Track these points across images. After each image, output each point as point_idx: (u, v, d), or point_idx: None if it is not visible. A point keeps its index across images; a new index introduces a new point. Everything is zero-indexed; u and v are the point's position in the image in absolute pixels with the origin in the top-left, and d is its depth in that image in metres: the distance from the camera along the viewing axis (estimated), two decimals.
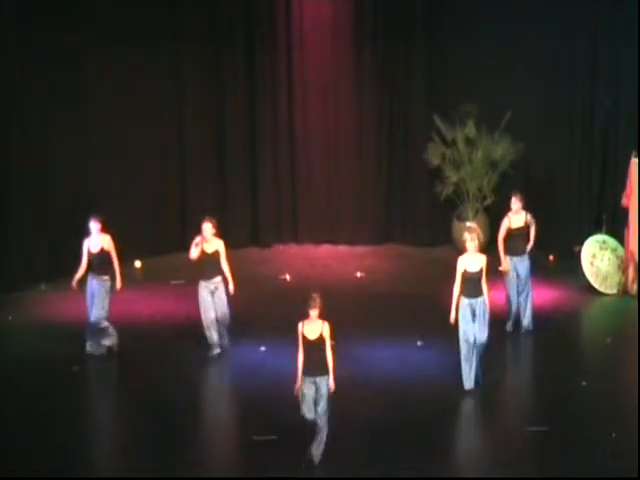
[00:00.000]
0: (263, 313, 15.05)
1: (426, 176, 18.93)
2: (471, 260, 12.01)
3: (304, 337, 10.14)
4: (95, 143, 17.31)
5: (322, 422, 10.12)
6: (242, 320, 14.62)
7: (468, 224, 16.59)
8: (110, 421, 11.69)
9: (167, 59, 18.22)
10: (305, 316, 10.12)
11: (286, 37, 18.93)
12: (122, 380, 12.19)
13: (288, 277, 17.06)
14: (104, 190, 17.30)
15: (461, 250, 13.32)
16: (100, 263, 13.03)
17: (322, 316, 10.13)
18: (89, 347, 13.10)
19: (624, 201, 15.97)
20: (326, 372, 10.13)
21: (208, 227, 13.02)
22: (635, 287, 15.63)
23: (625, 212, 15.98)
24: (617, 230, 16.33)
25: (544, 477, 9.80)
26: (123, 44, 17.37)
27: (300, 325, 10.16)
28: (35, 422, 11.09)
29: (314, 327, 10.13)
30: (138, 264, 17.74)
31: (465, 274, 11.94)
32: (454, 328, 11.85)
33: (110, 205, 17.20)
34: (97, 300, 12.95)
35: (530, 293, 14.13)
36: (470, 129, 18.29)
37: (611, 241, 16.14)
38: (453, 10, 18.71)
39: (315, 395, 10.11)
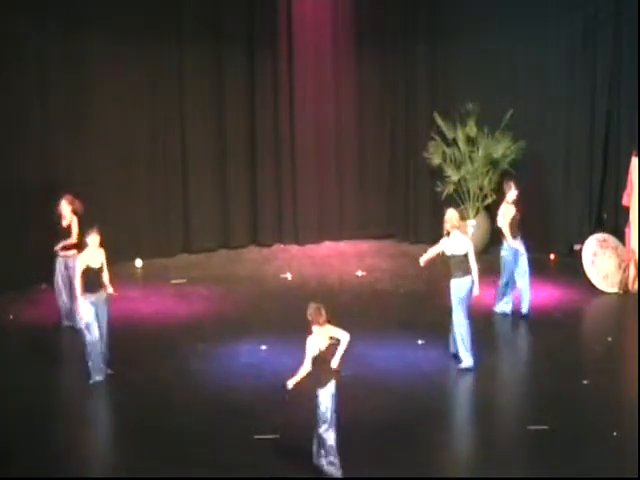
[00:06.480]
0: (264, 312, 15.08)
1: (427, 175, 18.98)
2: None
3: (318, 350, 9.44)
4: (95, 144, 17.31)
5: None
6: (243, 319, 14.66)
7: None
8: (110, 420, 11.70)
9: (168, 59, 18.23)
10: (312, 329, 9.47)
11: (287, 36, 18.95)
12: (122, 379, 12.17)
13: (289, 276, 17.06)
14: (105, 191, 17.30)
15: None
16: (100, 278, 12.09)
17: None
18: (101, 376, 12.11)
19: (624, 200, 15.98)
20: (319, 385, 9.52)
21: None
22: (635, 285, 15.63)
23: (626, 211, 15.99)
24: (618, 228, 16.36)
25: (544, 477, 9.78)
26: (124, 44, 17.39)
27: (313, 339, 9.43)
28: (35, 421, 11.09)
29: (324, 336, 9.48)
30: (139, 263, 17.77)
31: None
32: None
33: (111, 205, 17.26)
34: (107, 316, 12.14)
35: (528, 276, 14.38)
36: (471, 128, 18.32)
37: (612, 239, 16.13)
38: (454, 9, 18.74)
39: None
